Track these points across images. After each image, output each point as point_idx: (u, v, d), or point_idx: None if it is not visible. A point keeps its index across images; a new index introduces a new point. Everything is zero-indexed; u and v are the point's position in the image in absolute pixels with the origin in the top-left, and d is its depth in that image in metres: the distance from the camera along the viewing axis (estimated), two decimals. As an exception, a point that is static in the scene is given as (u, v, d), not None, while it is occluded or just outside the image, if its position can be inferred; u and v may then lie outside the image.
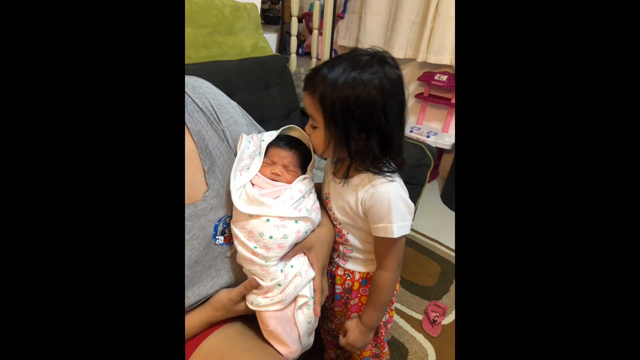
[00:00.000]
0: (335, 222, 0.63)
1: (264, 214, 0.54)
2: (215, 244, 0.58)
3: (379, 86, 0.47)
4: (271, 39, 1.91)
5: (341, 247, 0.64)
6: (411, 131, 1.92)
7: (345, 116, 0.49)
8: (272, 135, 0.63)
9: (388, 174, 0.53)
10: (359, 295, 0.66)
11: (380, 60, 0.49)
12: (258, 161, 0.60)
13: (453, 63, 1.74)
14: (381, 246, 0.58)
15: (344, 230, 0.62)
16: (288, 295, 0.54)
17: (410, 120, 2.09)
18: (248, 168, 0.60)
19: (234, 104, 0.67)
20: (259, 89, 1.14)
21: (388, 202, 0.53)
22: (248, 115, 0.69)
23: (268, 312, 0.55)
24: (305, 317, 0.57)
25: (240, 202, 0.55)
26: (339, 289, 0.68)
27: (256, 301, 0.56)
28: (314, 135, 0.55)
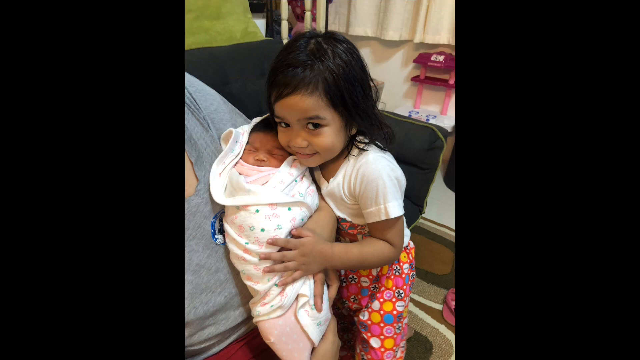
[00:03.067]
0: (346, 226, 0.58)
1: (252, 203, 0.48)
2: (216, 244, 0.52)
3: (351, 49, 0.49)
4: (259, 26, 1.82)
5: (359, 237, 0.59)
6: (409, 115, 1.86)
7: (350, 90, 0.48)
8: (254, 122, 0.59)
9: (380, 145, 0.54)
10: (391, 277, 0.61)
11: (330, 35, 0.50)
12: (238, 148, 0.55)
13: (450, 42, 1.68)
14: (379, 231, 0.54)
15: (354, 221, 0.57)
16: (288, 297, 0.49)
17: (407, 104, 2.03)
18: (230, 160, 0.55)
19: (212, 91, 0.62)
20: (255, 76, 1.05)
21: (377, 182, 0.50)
22: (229, 102, 0.65)
23: (269, 321, 0.49)
24: (312, 318, 0.50)
25: (220, 194, 0.50)
26: (365, 281, 0.63)
27: (256, 312, 0.50)
28: (323, 136, 0.49)
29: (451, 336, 1.01)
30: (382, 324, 0.60)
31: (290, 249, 0.49)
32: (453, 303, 1.08)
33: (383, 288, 0.61)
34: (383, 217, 0.50)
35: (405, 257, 0.62)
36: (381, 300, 0.61)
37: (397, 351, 0.62)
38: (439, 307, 1.10)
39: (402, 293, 0.61)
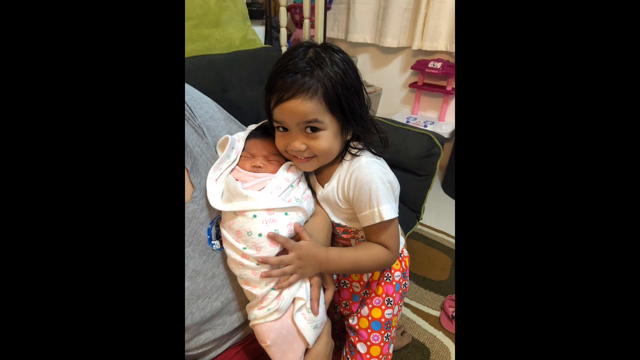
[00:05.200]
0: (340, 231, 0.59)
1: (250, 209, 0.49)
2: (213, 249, 0.53)
3: (347, 59, 0.51)
4: (257, 33, 1.84)
5: (353, 242, 0.60)
6: (407, 121, 1.87)
7: (347, 97, 0.49)
8: (249, 129, 0.60)
9: (374, 150, 0.56)
10: (381, 283, 0.61)
11: (327, 45, 0.52)
12: (234, 154, 0.56)
13: (448, 49, 1.70)
14: (374, 234, 0.54)
15: (348, 225, 0.58)
16: (285, 300, 0.49)
17: (405, 111, 2.04)
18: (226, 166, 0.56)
19: (208, 99, 0.64)
20: (254, 83, 1.06)
21: (370, 185, 0.51)
22: (224, 110, 0.66)
23: (265, 324, 0.50)
24: (309, 321, 0.51)
25: (217, 199, 0.51)
26: (356, 286, 0.64)
27: (252, 315, 0.51)
28: (321, 139, 0.50)
29: (448, 343, 1.01)
30: (369, 330, 0.60)
31: (287, 249, 0.50)
32: (450, 310, 1.08)
33: (373, 294, 0.61)
34: (377, 220, 0.51)
35: (397, 264, 0.62)
36: (370, 306, 0.61)
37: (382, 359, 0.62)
38: (436, 313, 1.10)
39: (391, 300, 0.61)
